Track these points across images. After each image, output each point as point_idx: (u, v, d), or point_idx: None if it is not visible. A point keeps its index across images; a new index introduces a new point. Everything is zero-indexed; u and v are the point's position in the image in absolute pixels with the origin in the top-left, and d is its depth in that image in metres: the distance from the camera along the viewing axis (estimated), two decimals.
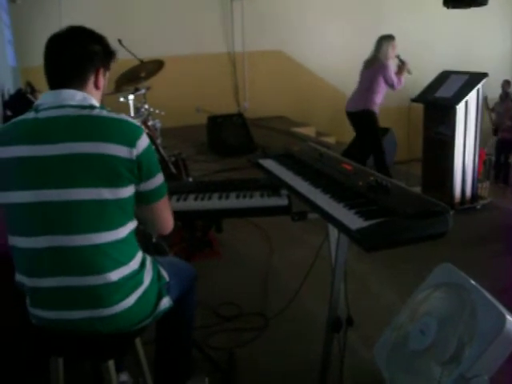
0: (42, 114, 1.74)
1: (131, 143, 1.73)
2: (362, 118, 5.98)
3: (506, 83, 11.46)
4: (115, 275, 1.74)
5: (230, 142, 7.62)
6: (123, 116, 1.79)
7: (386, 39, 5.83)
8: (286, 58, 10.45)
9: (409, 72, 5.84)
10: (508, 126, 10.70)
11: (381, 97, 5.90)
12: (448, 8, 5.79)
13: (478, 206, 5.26)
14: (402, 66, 5.86)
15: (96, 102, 1.83)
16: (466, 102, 4.98)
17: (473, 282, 1.92)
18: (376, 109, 5.91)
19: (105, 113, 1.77)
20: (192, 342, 2.41)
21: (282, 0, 10.13)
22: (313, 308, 3.23)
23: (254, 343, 2.98)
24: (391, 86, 5.82)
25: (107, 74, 1.93)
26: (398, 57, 5.88)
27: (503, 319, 1.73)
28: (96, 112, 1.76)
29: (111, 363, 1.83)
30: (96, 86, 1.87)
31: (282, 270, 3.87)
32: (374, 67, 5.84)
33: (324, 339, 2.33)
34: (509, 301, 1.89)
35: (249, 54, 10.04)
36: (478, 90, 5.02)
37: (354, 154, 6.33)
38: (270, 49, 10.20)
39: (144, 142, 1.77)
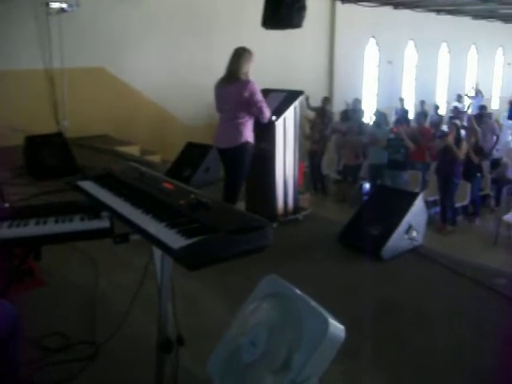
0: None
1: None
2: (236, 153, 5.03)
3: (325, 99, 12.29)
4: None
5: (50, 164, 7.25)
6: None
7: (245, 52, 4.97)
8: (108, 75, 10.23)
9: None
10: (317, 138, 11.52)
11: (252, 122, 5.03)
12: (267, 29, 6.01)
13: (301, 217, 5.53)
14: None
15: None
16: (285, 119, 5.22)
17: (297, 290, 2.00)
18: (252, 138, 5.04)
19: None
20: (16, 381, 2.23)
21: (103, 16, 9.94)
22: (145, 330, 3.14)
23: (85, 373, 2.83)
24: (260, 113, 4.90)
25: None
26: None
27: (326, 323, 1.82)
28: None
29: None
30: None
31: (110, 293, 3.74)
32: (235, 89, 4.87)
33: (155, 361, 2.28)
34: (331, 305, 2.00)
35: (68, 71, 9.61)
36: (295, 107, 5.30)
37: (228, 193, 5.25)
38: (92, 65, 9.92)
39: None
